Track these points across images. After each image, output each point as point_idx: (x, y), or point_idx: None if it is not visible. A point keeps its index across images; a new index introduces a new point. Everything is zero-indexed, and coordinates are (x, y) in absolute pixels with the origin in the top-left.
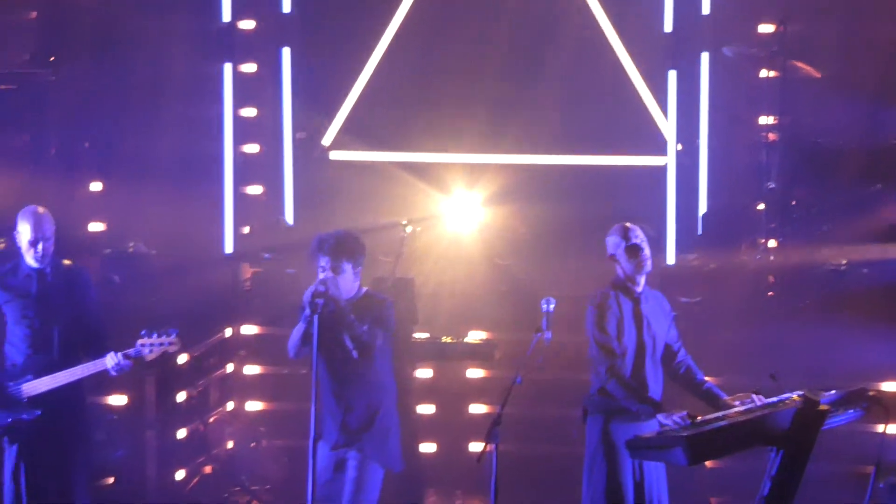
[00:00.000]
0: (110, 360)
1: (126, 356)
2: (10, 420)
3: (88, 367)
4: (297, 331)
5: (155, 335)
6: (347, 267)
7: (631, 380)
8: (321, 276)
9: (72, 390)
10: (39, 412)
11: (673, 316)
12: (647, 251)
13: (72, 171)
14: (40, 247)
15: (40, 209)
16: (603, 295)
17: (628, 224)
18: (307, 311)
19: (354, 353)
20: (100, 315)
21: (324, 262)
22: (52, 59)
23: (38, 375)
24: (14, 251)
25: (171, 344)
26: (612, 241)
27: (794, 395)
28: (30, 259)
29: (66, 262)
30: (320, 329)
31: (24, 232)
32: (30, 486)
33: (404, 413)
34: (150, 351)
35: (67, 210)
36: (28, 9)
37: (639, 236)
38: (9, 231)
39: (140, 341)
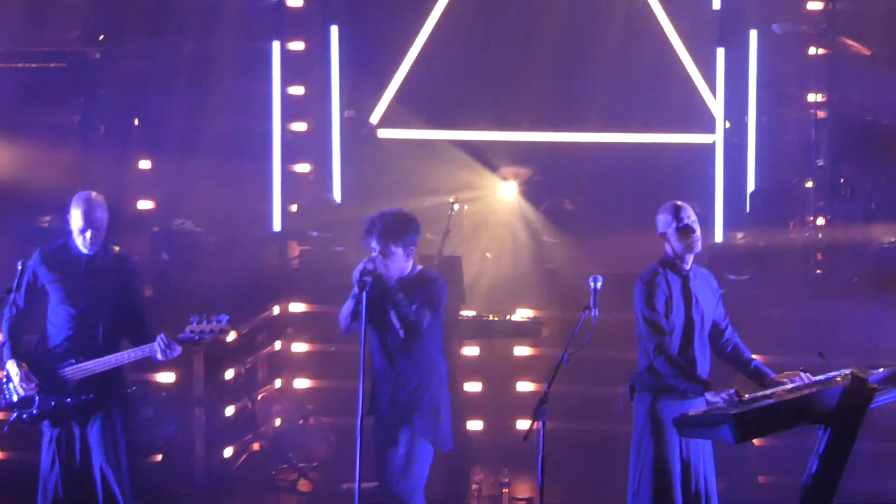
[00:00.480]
0: (158, 346)
1: (177, 341)
2: (53, 404)
3: (136, 353)
4: (347, 307)
5: (205, 322)
6: (397, 249)
7: (679, 358)
8: (371, 255)
9: (114, 373)
10: (84, 397)
11: (720, 294)
12: (697, 232)
13: (121, 149)
14: (89, 234)
15: (94, 195)
16: (652, 272)
17: (680, 203)
18: (355, 289)
19: (401, 333)
20: (144, 303)
21: (374, 244)
22: (100, 37)
23: (80, 359)
24: (65, 230)
25: (221, 331)
26: (663, 220)
27: (842, 373)
28: (79, 244)
29: (116, 248)
30: (370, 307)
31: (75, 218)
32: (69, 470)
33: (451, 391)
34: (200, 339)
35: (116, 188)
36: None
37: (690, 216)
38: (59, 209)
39: (189, 328)
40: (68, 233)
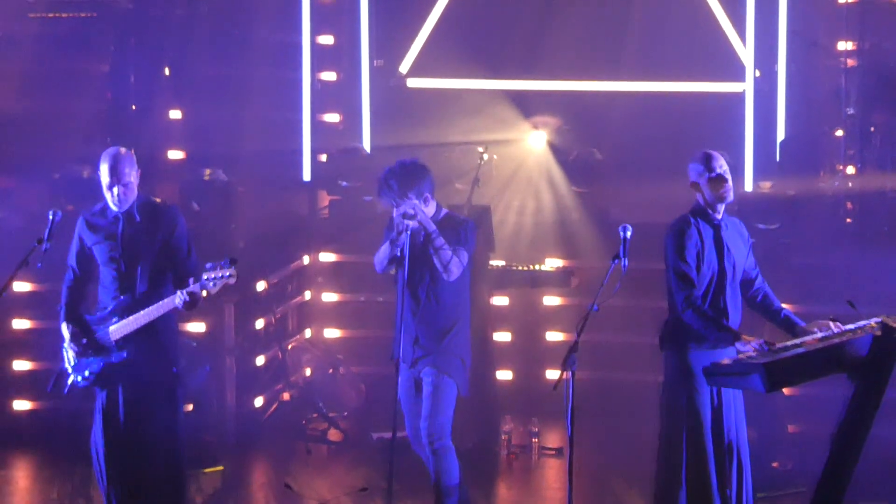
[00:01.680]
0: (178, 299)
1: (190, 293)
2: (102, 365)
3: (161, 307)
4: (384, 250)
5: (216, 268)
6: (426, 192)
7: (709, 308)
8: (403, 206)
9: (161, 328)
10: (126, 354)
11: (752, 243)
12: (730, 181)
13: (151, 99)
14: (116, 191)
15: (121, 150)
16: (683, 222)
17: (712, 152)
18: (394, 233)
19: (445, 276)
20: (191, 254)
21: (394, 200)
22: None
23: (123, 317)
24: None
25: (230, 276)
26: (695, 169)
27: (873, 322)
28: (109, 201)
29: (157, 199)
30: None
31: (102, 175)
32: (114, 436)
33: (481, 340)
34: (214, 285)
35: (147, 137)
36: None
37: (722, 166)
38: (89, 159)
39: (203, 275)
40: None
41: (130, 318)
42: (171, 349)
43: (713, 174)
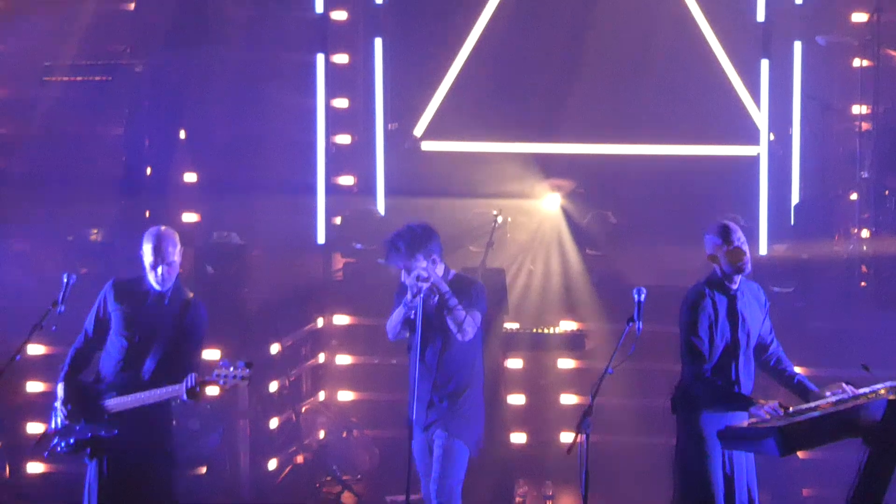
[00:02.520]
0: (184, 386)
1: (199, 382)
2: (90, 435)
3: (165, 393)
4: (397, 315)
5: (231, 366)
6: (435, 253)
7: (721, 378)
8: (419, 267)
9: (157, 411)
10: (117, 431)
11: (768, 308)
12: (748, 254)
13: (166, 161)
14: (161, 270)
15: (164, 229)
16: (698, 294)
17: (730, 224)
18: (408, 296)
19: (460, 336)
20: (195, 359)
21: (401, 263)
22: (127, 49)
23: (121, 393)
24: (111, 245)
25: (242, 378)
26: (713, 242)
27: (887, 386)
28: (152, 280)
29: (190, 293)
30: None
31: (146, 253)
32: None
33: (495, 403)
34: (225, 383)
35: (161, 200)
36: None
37: (740, 238)
38: (104, 222)
39: (217, 371)
40: (144, 268)
41: (131, 396)
42: (165, 430)
43: (732, 247)
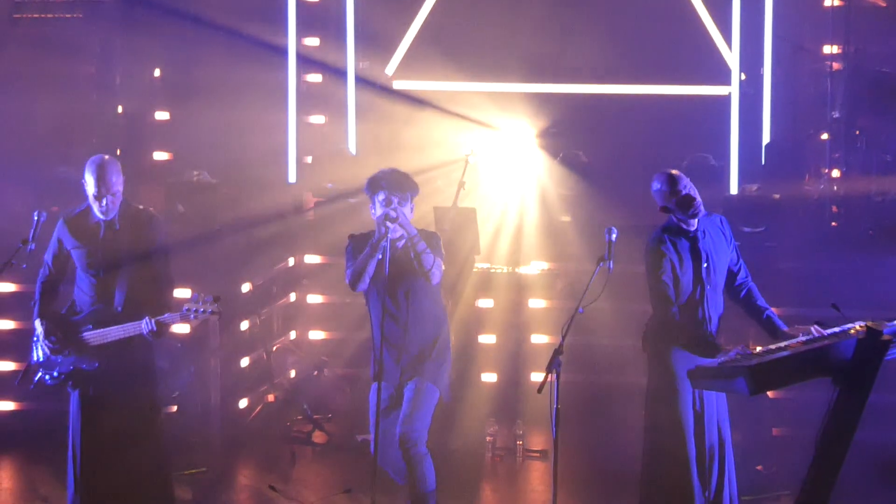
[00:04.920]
0: (145, 326)
1: (158, 322)
2: (72, 367)
3: (130, 329)
4: (364, 258)
5: (199, 301)
6: (406, 204)
7: (690, 321)
8: (388, 207)
9: (136, 339)
10: (98, 364)
11: (732, 239)
12: (698, 198)
13: (137, 101)
14: (104, 201)
15: (107, 158)
16: (657, 240)
17: (672, 173)
18: (376, 237)
19: (428, 280)
20: (164, 273)
21: (382, 196)
22: None
23: (97, 326)
24: (80, 180)
25: (212, 312)
26: (661, 193)
27: (857, 325)
28: (96, 210)
29: (140, 207)
30: (379, 263)
31: (89, 184)
32: (92, 433)
33: (467, 343)
34: (194, 317)
35: (132, 139)
36: None
37: (687, 185)
38: (74, 160)
39: (186, 305)
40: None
41: (106, 330)
42: (147, 359)
43: (680, 196)
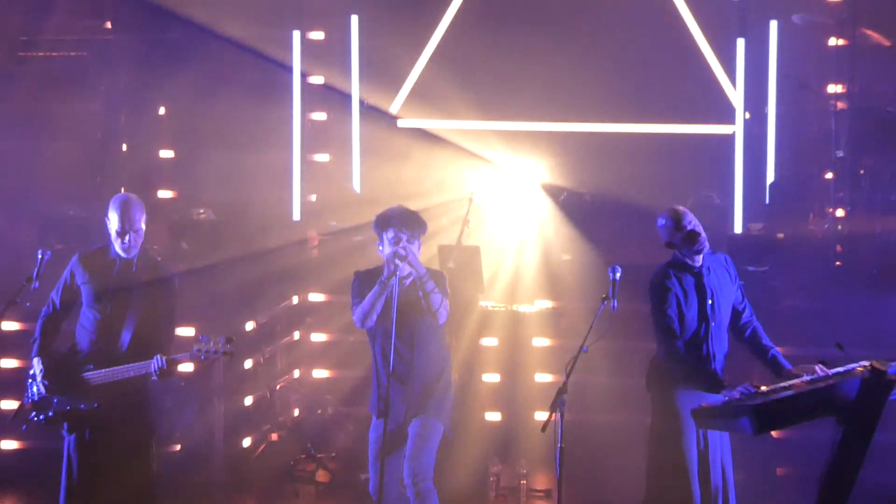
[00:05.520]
0: (155, 364)
1: (170, 360)
2: (69, 408)
3: (137, 368)
4: (372, 297)
5: (210, 341)
6: (414, 242)
7: (694, 357)
8: (397, 245)
9: (136, 381)
10: (97, 404)
11: (740, 284)
12: (703, 234)
13: (142, 138)
14: (127, 238)
15: (131, 197)
16: (662, 275)
17: (679, 208)
18: (385, 274)
19: (435, 319)
20: (169, 323)
21: (391, 234)
22: (108, 24)
23: (99, 365)
24: (86, 219)
25: (223, 353)
26: (667, 229)
27: (862, 365)
28: (118, 248)
29: (158, 258)
30: (386, 301)
31: (112, 220)
32: (83, 480)
33: (470, 381)
34: (205, 358)
35: (137, 177)
36: None
37: (692, 220)
38: (80, 199)
39: (197, 346)
40: (109, 235)
41: (110, 370)
42: (144, 400)
43: (685, 232)
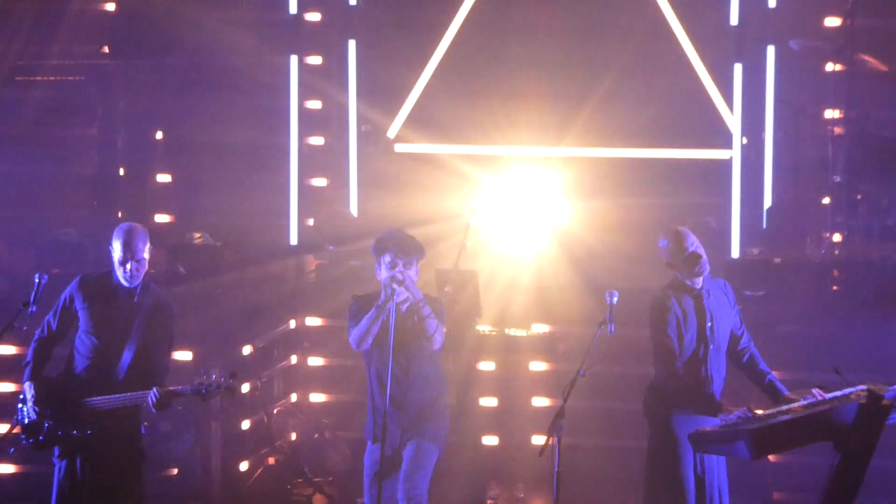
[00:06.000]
0: (152, 397)
1: (165, 393)
2: (59, 434)
3: (133, 398)
4: (367, 320)
5: (213, 376)
6: (412, 267)
7: (690, 380)
8: (394, 270)
9: (129, 409)
10: (90, 431)
11: (738, 309)
12: (704, 256)
13: (139, 163)
14: (129, 267)
15: (135, 226)
16: (662, 296)
17: (680, 230)
18: (381, 298)
19: (430, 345)
20: (164, 358)
21: (389, 258)
22: (105, 48)
23: (94, 392)
24: (82, 244)
25: (226, 389)
26: (668, 250)
27: (859, 390)
28: (120, 276)
29: (159, 289)
30: (383, 325)
31: (115, 249)
32: (76, 500)
33: (468, 405)
34: (206, 392)
35: (134, 201)
36: (105, 1)
37: (694, 242)
38: (77, 223)
39: (198, 380)
40: (112, 263)
41: (106, 398)
42: (136, 428)
43: (687, 253)
